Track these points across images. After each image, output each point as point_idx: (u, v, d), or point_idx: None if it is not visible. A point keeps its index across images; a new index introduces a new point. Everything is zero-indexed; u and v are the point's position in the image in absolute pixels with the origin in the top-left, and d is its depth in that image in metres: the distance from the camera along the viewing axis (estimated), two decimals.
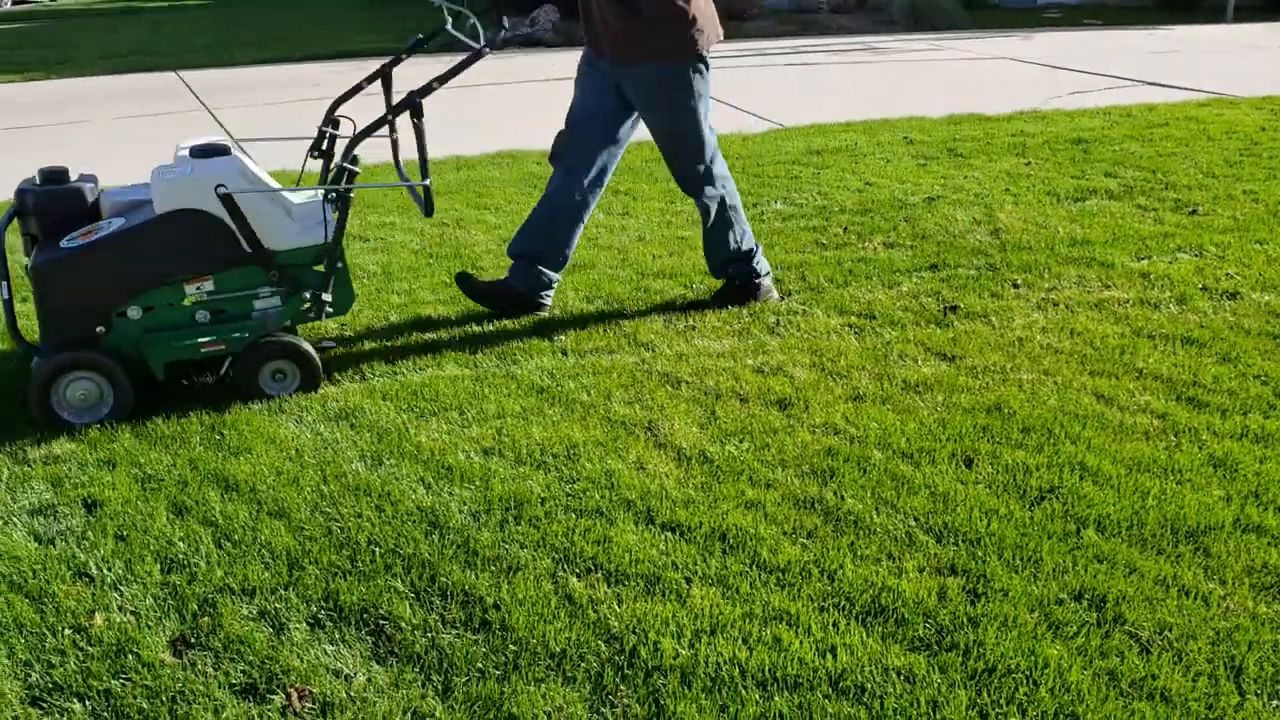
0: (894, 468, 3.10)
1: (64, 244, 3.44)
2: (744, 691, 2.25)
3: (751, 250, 4.36)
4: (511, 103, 9.46)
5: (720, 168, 4.27)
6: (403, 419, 3.45)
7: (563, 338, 4.06)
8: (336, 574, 2.66)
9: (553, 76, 10.76)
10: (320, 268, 3.60)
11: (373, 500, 2.97)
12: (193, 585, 2.64)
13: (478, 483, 3.05)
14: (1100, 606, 2.49)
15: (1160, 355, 3.83)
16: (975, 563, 2.65)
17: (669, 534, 2.80)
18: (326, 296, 3.60)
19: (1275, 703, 2.21)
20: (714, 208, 4.26)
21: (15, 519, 2.95)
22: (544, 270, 4.28)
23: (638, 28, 3.96)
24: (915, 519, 2.85)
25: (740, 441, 3.27)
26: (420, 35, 4.02)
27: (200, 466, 3.18)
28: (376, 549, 2.75)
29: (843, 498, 2.95)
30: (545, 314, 4.32)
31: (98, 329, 3.45)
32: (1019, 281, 4.61)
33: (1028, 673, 2.28)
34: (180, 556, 2.75)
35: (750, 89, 9.59)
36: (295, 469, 3.15)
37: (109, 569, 2.70)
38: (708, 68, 4.08)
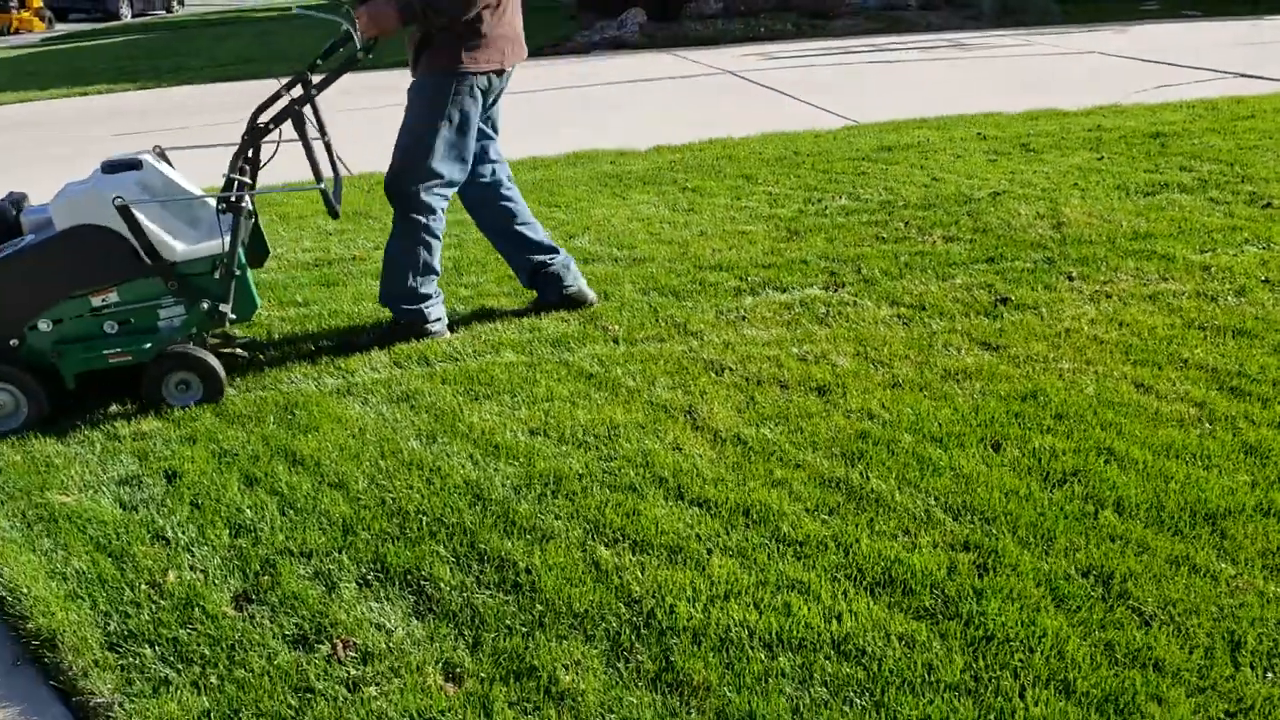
0: (922, 451, 3.19)
1: None
2: (750, 651, 2.39)
3: (428, 296, 4.15)
4: (597, 101, 9.68)
5: (439, 200, 4.05)
6: (458, 401, 3.66)
7: (616, 327, 4.24)
8: (386, 539, 2.88)
9: (633, 78, 10.97)
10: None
11: (424, 474, 3.18)
12: (256, 548, 2.88)
13: (522, 460, 3.24)
14: (1107, 582, 2.56)
15: (1209, 346, 3.84)
16: (989, 539, 2.74)
17: (696, 509, 2.95)
18: (224, 307, 3.67)
19: (1270, 676, 2.26)
20: (405, 229, 4.04)
21: (104, 488, 3.24)
22: (545, 272, 4.40)
23: (428, 41, 3.92)
24: (936, 498, 2.94)
25: (775, 425, 3.40)
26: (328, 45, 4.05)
27: (272, 442, 3.43)
28: (424, 518, 2.96)
29: (868, 478, 3.06)
30: (600, 304, 4.48)
31: (11, 341, 3.61)
32: (1075, 274, 4.63)
33: (1025, 641, 2.37)
34: (247, 522, 3.00)
35: (831, 87, 9.65)
36: (357, 446, 3.39)
37: (183, 532, 2.97)
38: (481, 93, 3.97)
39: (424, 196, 4.00)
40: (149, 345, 3.66)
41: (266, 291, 4.77)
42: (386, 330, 4.20)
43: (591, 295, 4.52)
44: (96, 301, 3.63)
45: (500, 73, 4.04)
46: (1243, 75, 9.00)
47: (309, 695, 2.36)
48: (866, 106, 8.55)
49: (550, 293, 4.45)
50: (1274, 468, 3.01)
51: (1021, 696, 2.22)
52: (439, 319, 4.22)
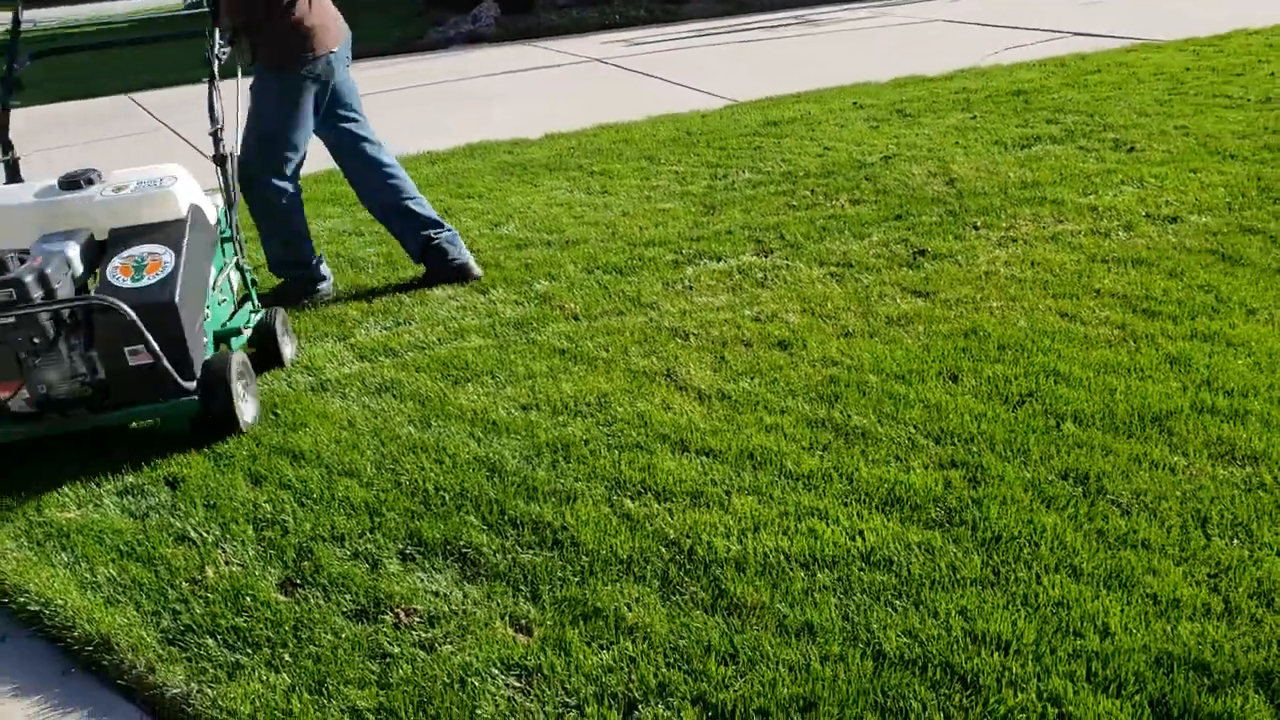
0: (890, 388, 3.49)
1: None
2: (791, 572, 2.62)
3: (308, 260, 4.66)
4: (474, 95, 9.74)
5: (287, 180, 4.51)
6: (440, 386, 3.77)
7: (572, 305, 4.40)
8: (414, 517, 3.00)
9: (502, 70, 11.06)
10: None
11: (430, 455, 3.30)
12: (287, 538, 2.96)
13: (523, 433, 3.39)
14: (1084, 482, 2.89)
15: (1114, 276, 4.26)
16: (972, 457, 3.05)
17: (703, 458, 3.16)
18: None
19: (1236, 541, 2.62)
20: (266, 210, 4.52)
21: (105, 499, 3.24)
22: (433, 245, 4.74)
23: (262, 35, 4.34)
24: (915, 427, 3.23)
25: (751, 379, 3.64)
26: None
27: (264, 442, 3.48)
28: (445, 494, 3.09)
29: (849, 416, 3.33)
30: (541, 287, 4.62)
31: None
32: (978, 224, 5.02)
33: (1029, 537, 2.68)
34: (268, 516, 3.06)
35: (701, 69, 9.95)
36: (353, 436, 3.47)
37: (206, 532, 3.02)
38: (316, 78, 4.41)
39: (274, 181, 4.45)
40: None
41: None
42: (279, 291, 4.66)
43: (477, 269, 4.81)
44: None
45: (332, 55, 4.42)
46: (1081, 34, 9.70)
47: (388, 660, 2.48)
48: (740, 85, 8.87)
49: (439, 265, 4.75)
50: (1198, 373, 3.42)
51: (1039, 582, 2.52)
52: (325, 279, 4.73)
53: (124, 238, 3.51)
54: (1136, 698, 2.17)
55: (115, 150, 8.38)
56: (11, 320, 3.21)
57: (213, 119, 3.97)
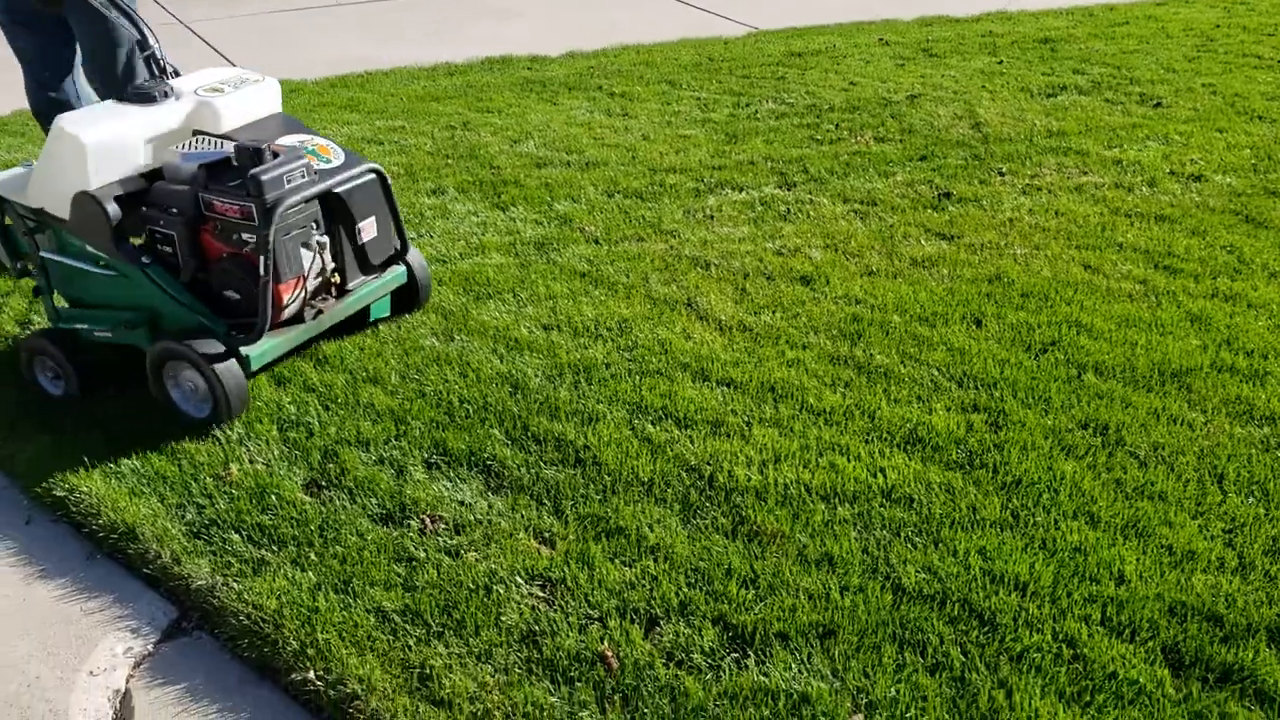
0: (913, 329, 3.50)
1: None
2: (811, 504, 2.66)
3: None
4: (489, 8, 9.57)
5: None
6: (462, 301, 3.77)
7: (592, 228, 4.39)
8: (438, 427, 3.02)
9: None
10: None
11: (454, 368, 3.31)
12: (311, 440, 2.98)
13: (545, 353, 3.40)
14: (1104, 432, 2.93)
15: (1137, 231, 4.26)
16: (994, 402, 3.07)
17: (724, 388, 3.18)
18: None
19: (1252, 499, 2.66)
20: None
21: (127, 395, 3.25)
22: None
23: None
24: (937, 369, 3.26)
25: (773, 312, 3.64)
26: None
27: None
28: (469, 407, 3.10)
29: (871, 355, 3.35)
30: (561, 208, 4.60)
31: None
32: (1004, 170, 5.00)
33: (1049, 484, 2.72)
34: (293, 417, 3.08)
35: None
36: (376, 345, 3.48)
37: (230, 429, 3.03)
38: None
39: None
40: None
41: None
42: None
43: None
44: None
45: None
46: None
47: (413, 564, 2.51)
48: (765, 13, 8.73)
49: None
50: (1218, 333, 3.44)
51: (1056, 527, 2.56)
52: None
53: (263, 130, 3.25)
54: (1150, 644, 2.22)
55: None
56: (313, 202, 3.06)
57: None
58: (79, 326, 3.22)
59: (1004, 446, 2.86)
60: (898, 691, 2.13)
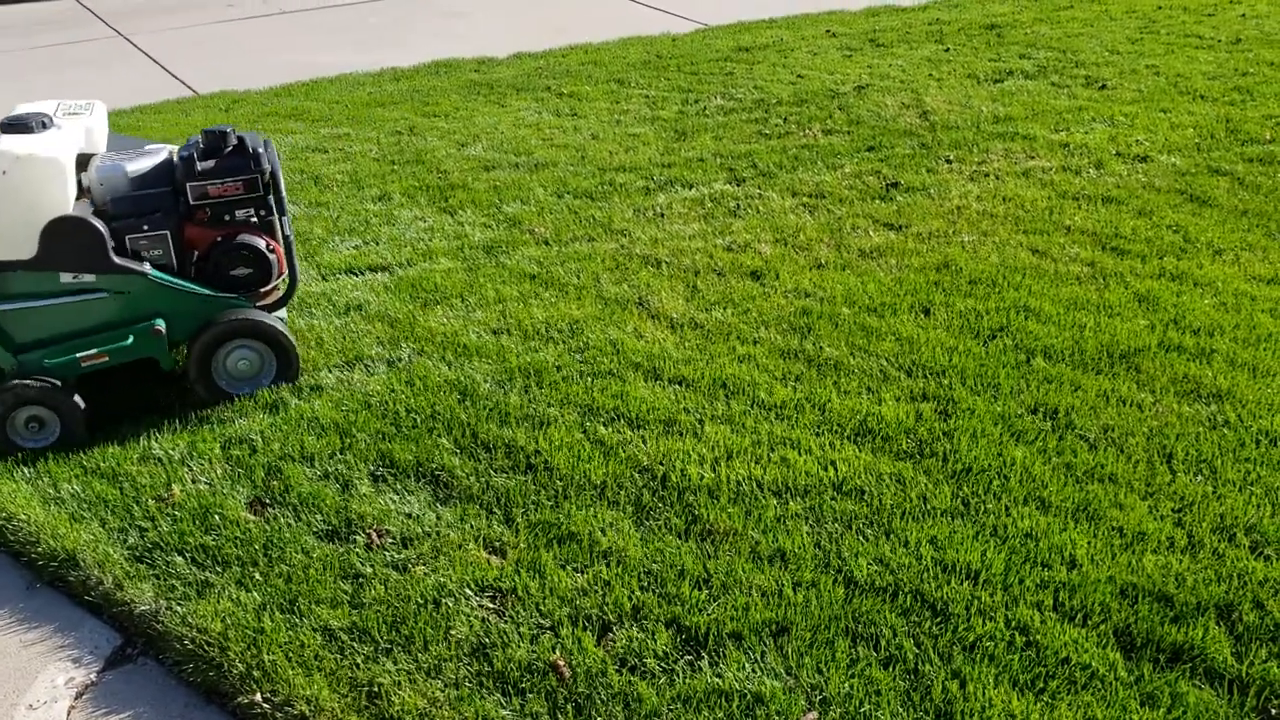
0: (862, 320, 3.49)
1: None
2: (763, 499, 2.64)
3: None
4: (434, 10, 9.50)
5: None
6: (409, 308, 3.72)
7: (542, 230, 4.35)
8: (384, 438, 2.97)
9: None
10: None
11: (401, 377, 3.27)
12: (255, 456, 2.92)
13: (494, 357, 3.36)
14: (1053, 416, 2.93)
15: (1085, 213, 4.28)
16: (943, 390, 3.07)
17: (676, 386, 3.16)
18: None
19: (1200, 477, 2.67)
20: None
21: None
22: None
23: None
24: (887, 359, 3.25)
25: (724, 309, 3.62)
26: None
27: None
28: (416, 416, 3.06)
29: (821, 347, 3.33)
30: (511, 210, 4.56)
31: None
32: (951, 157, 5.01)
33: (999, 470, 2.71)
34: (236, 434, 3.02)
35: None
36: (320, 357, 3.42)
37: (172, 449, 2.97)
38: None
39: None
40: None
41: None
42: None
43: None
44: None
45: None
46: None
47: (360, 580, 2.47)
48: (712, 8, 8.72)
49: None
50: (1165, 313, 3.45)
51: (1007, 513, 2.56)
52: None
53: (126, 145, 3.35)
54: (1102, 627, 2.22)
55: (68, 56, 8.09)
56: None
57: None
58: (53, 364, 3.02)
59: (953, 434, 2.85)
60: (851, 687, 2.12)
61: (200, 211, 3.09)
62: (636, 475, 2.76)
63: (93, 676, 2.37)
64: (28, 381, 2.97)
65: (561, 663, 2.21)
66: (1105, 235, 4.06)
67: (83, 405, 3.04)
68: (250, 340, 3.14)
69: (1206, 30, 7.03)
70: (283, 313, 3.34)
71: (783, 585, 2.37)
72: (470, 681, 2.19)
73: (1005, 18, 7.69)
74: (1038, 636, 2.20)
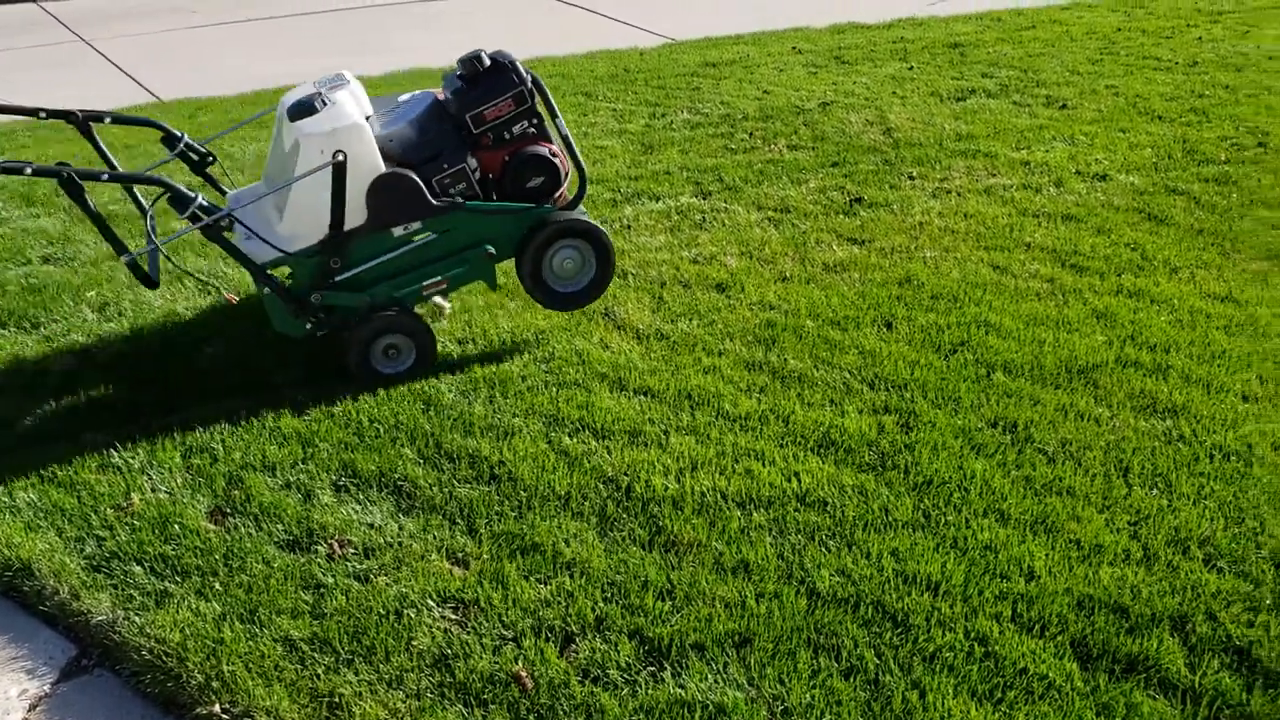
0: (825, 333, 3.52)
1: None
2: (727, 511, 2.65)
3: None
4: (412, 19, 9.48)
5: None
6: None
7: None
8: (347, 448, 2.95)
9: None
10: None
11: (364, 386, 3.25)
12: (216, 465, 2.90)
13: (459, 367, 3.35)
14: (1012, 430, 2.97)
15: (1044, 231, 4.34)
16: (905, 403, 3.10)
17: (641, 397, 3.17)
18: None
19: (1156, 491, 2.71)
20: None
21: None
22: None
23: None
24: (850, 372, 3.28)
25: (689, 320, 3.64)
26: None
27: None
28: (380, 426, 3.05)
29: (785, 360, 3.36)
30: None
31: None
32: (914, 174, 5.06)
33: (959, 482, 2.74)
34: (197, 442, 2.99)
35: (638, 4, 9.81)
36: (281, 367, 3.40)
37: (132, 458, 2.94)
38: None
39: None
40: None
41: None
42: None
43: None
44: None
45: None
46: None
47: (322, 590, 2.45)
48: (679, 23, 8.77)
49: None
50: (1123, 329, 3.51)
51: (967, 525, 2.59)
52: None
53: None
54: (1059, 638, 2.25)
55: (20, 60, 8.00)
56: None
57: None
58: (401, 294, 3.22)
59: (915, 447, 2.88)
60: (813, 697, 2.13)
61: (484, 137, 3.24)
62: (601, 486, 2.76)
63: (47, 688, 2.34)
64: (387, 312, 3.18)
65: (524, 674, 2.21)
66: (1065, 252, 4.12)
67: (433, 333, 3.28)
68: (571, 239, 3.34)
69: (1164, 52, 7.16)
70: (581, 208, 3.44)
71: (746, 596, 2.38)
72: (432, 693, 2.18)
73: (968, 37, 7.79)
74: (996, 647, 2.23)
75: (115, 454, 2.95)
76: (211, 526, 2.68)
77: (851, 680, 2.17)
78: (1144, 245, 4.16)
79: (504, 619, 2.35)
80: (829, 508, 2.66)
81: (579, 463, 2.85)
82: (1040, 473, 2.78)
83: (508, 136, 3.26)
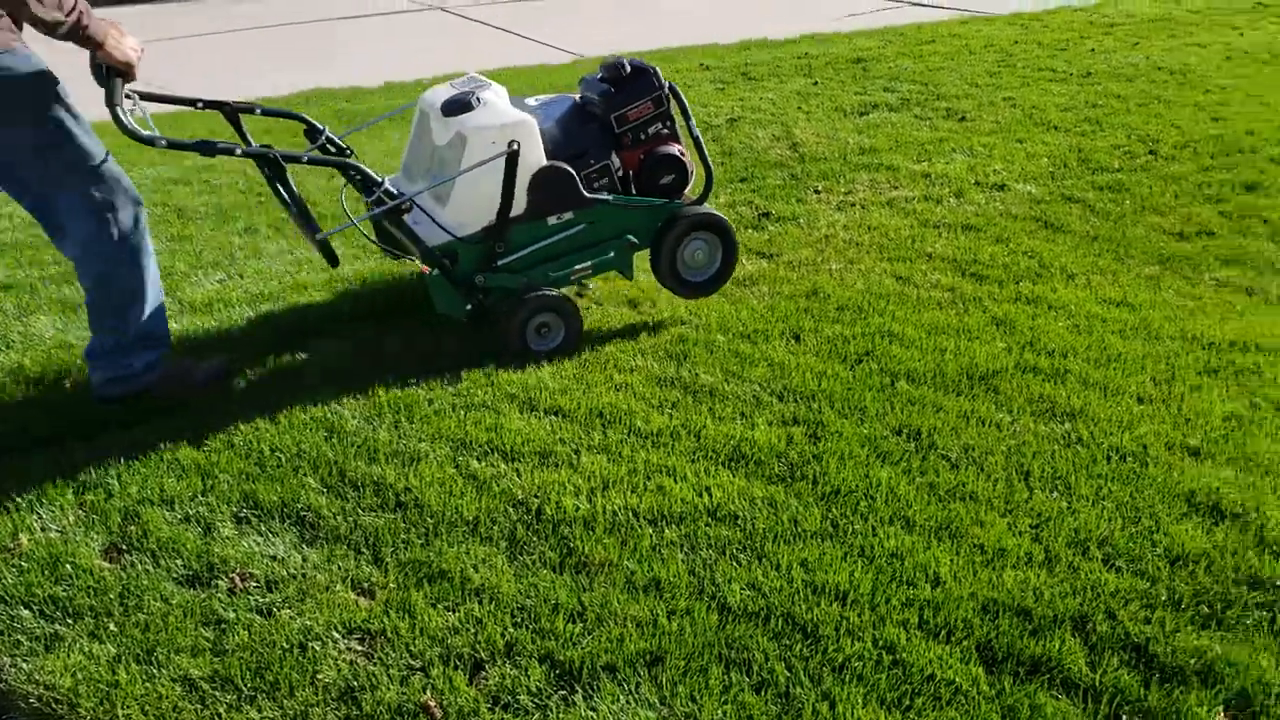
0: (736, 346, 3.54)
1: None
2: (639, 529, 2.64)
3: None
4: (305, 42, 9.35)
5: None
6: (276, 342, 3.62)
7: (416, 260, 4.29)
8: (248, 479, 2.88)
9: (334, 15, 10.65)
10: None
11: (265, 414, 3.17)
12: (111, 501, 2.80)
13: (363, 392, 3.29)
14: (917, 437, 3.01)
15: (945, 241, 4.42)
16: (813, 414, 3.12)
17: (552, 417, 3.14)
18: None
19: (1055, 494, 2.77)
20: None
21: None
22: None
23: None
24: (759, 385, 3.29)
25: (601, 337, 3.63)
26: None
27: (84, 398, 3.28)
28: (281, 455, 2.97)
29: (697, 374, 3.36)
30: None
31: None
32: (819, 188, 5.13)
33: (866, 491, 2.77)
34: (91, 478, 2.89)
35: (543, 22, 9.81)
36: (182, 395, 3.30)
37: (20, 497, 2.82)
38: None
39: None
40: None
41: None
42: None
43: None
44: None
45: None
46: (917, 4, 9.99)
47: (223, 626, 2.38)
48: (586, 41, 8.80)
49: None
50: (1021, 335, 3.59)
51: (874, 533, 2.61)
52: None
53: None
54: (965, 643, 2.28)
55: None
56: None
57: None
58: (555, 276, 3.50)
59: (823, 457, 2.90)
60: (725, 713, 2.12)
61: (625, 136, 3.53)
62: (510, 509, 2.73)
63: None
64: (543, 292, 3.43)
65: (433, 703, 2.17)
66: (965, 261, 4.20)
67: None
68: (702, 232, 3.66)
69: (1059, 64, 7.38)
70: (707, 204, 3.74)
71: (657, 614, 2.37)
72: None
73: (871, 52, 7.94)
74: (904, 654, 2.25)
75: (1, 493, 2.83)
76: (106, 565, 2.58)
77: (763, 694, 2.17)
78: (1041, 253, 4.26)
79: (411, 648, 2.30)
80: (740, 521, 2.67)
81: (487, 486, 2.81)
82: (944, 479, 2.82)
83: (644, 136, 3.55)
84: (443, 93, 3.47)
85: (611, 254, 3.54)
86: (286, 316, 3.82)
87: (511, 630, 2.34)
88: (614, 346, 3.55)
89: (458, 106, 3.32)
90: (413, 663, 2.27)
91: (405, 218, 3.32)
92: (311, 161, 3.19)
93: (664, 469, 2.87)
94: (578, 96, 3.65)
